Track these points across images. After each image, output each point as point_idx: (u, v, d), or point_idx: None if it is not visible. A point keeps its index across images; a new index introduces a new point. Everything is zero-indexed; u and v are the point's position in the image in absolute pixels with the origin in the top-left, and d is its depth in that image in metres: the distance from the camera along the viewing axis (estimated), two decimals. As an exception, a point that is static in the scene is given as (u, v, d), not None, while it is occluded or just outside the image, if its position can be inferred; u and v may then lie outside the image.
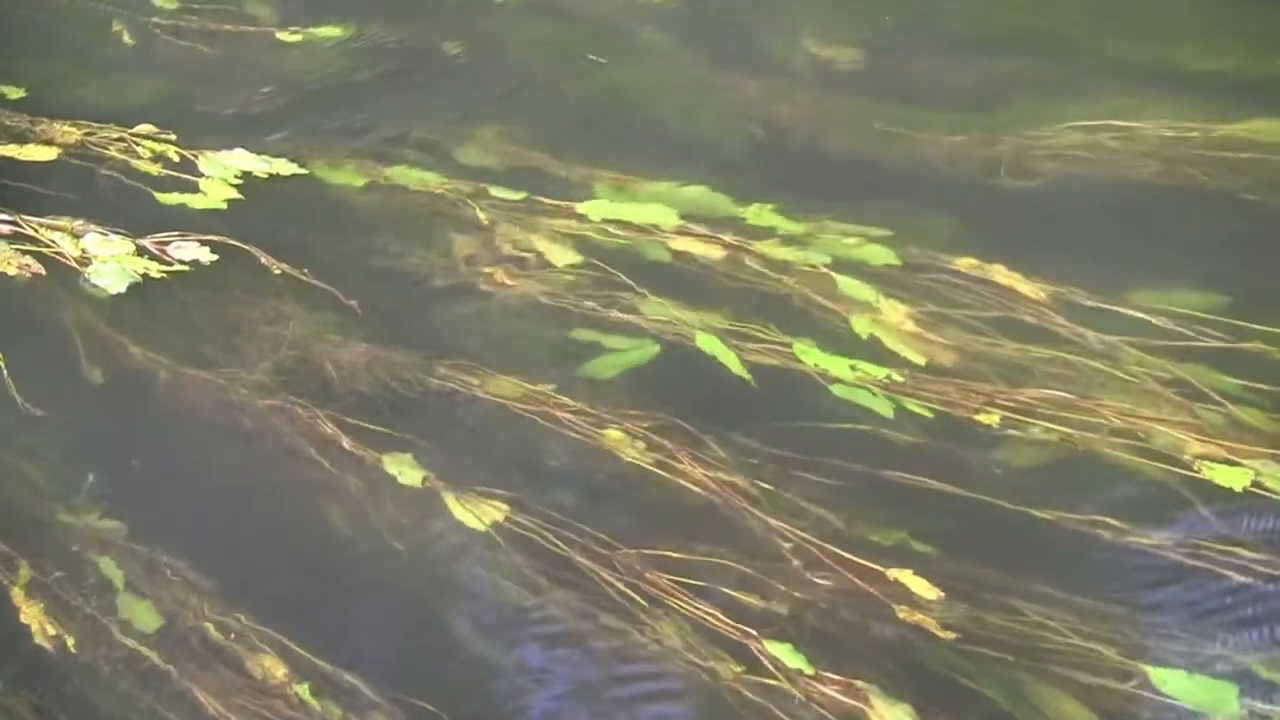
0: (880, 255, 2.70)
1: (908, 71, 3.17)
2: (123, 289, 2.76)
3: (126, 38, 3.55)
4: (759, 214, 2.82)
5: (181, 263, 2.78)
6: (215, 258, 2.77)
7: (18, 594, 2.36)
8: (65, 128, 3.16)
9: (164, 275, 2.76)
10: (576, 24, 3.42)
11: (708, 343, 2.60)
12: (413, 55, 3.42)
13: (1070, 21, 3.23)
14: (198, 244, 2.80)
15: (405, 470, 2.47)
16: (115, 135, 3.12)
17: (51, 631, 2.32)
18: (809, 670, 2.10)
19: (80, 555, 2.44)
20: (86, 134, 3.14)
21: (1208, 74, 3.04)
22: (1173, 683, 2.04)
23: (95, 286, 2.78)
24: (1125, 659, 2.07)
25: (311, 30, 3.47)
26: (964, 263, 2.66)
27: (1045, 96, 3.05)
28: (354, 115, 3.27)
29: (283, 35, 3.50)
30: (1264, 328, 2.47)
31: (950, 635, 2.12)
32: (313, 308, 2.78)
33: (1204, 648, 2.10)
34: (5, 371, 2.67)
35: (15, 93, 3.37)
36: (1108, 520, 2.24)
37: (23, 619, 2.32)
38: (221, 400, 2.64)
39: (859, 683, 2.08)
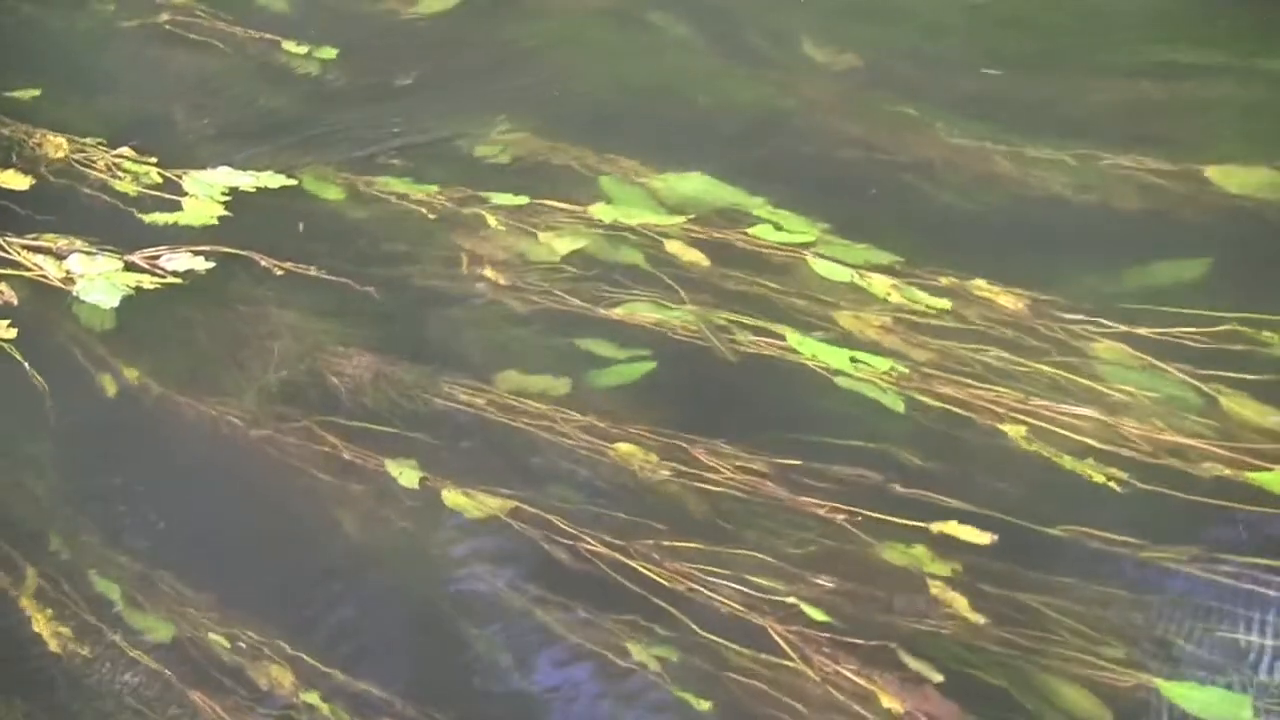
0: (882, 258, 2.71)
1: (909, 76, 3.21)
2: (115, 303, 2.72)
3: (131, 37, 3.54)
4: (764, 210, 2.82)
5: (175, 274, 2.75)
6: (211, 265, 2.74)
7: (26, 603, 2.34)
8: (56, 139, 3.13)
9: (158, 286, 2.73)
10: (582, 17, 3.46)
11: (708, 323, 2.61)
12: (413, 57, 3.44)
13: (1067, 36, 3.29)
14: (190, 254, 2.77)
15: (406, 473, 2.46)
16: (99, 156, 3.10)
17: (58, 640, 2.29)
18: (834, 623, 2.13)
19: (81, 568, 2.42)
20: (75, 149, 3.11)
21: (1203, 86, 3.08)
22: (1184, 693, 2.05)
23: (85, 303, 2.74)
24: (1136, 669, 2.08)
25: (314, 41, 3.48)
26: (956, 272, 2.68)
27: (1038, 114, 3.09)
28: (354, 122, 3.26)
29: (288, 44, 3.50)
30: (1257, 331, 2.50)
31: (980, 619, 2.14)
32: (316, 314, 2.78)
33: (1220, 656, 2.11)
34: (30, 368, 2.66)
35: (30, 93, 3.35)
36: (1122, 537, 2.23)
37: (33, 628, 2.31)
38: (221, 411, 2.62)
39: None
